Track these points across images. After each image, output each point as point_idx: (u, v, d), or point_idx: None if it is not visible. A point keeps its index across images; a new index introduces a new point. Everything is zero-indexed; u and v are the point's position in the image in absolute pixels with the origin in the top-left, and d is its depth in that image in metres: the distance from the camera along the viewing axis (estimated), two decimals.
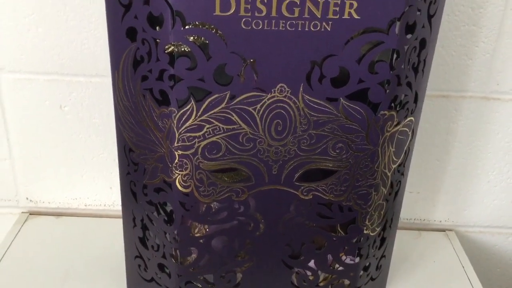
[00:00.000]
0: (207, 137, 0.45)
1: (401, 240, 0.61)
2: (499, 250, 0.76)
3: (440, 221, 0.74)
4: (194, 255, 0.52)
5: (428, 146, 0.69)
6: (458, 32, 0.62)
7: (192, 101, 0.43)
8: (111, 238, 0.67)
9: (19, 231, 0.69)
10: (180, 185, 0.47)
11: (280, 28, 0.41)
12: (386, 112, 0.45)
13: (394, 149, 0.48)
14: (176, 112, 0.44)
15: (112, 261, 0.63)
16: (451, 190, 0.72)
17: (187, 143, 0.45)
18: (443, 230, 0.74)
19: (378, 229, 0.53)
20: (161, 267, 0.53)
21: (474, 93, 0.66)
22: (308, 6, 0.40)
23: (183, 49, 0.42)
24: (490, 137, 0.68)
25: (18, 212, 0.73)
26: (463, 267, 0.67)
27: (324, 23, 0.41)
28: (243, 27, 0.41)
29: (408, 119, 0.48)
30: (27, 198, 0.73)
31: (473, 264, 0.67)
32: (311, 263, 0.53)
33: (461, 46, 0.63)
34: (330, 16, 0.40)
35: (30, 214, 0.73)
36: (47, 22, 0.61)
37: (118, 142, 0.50)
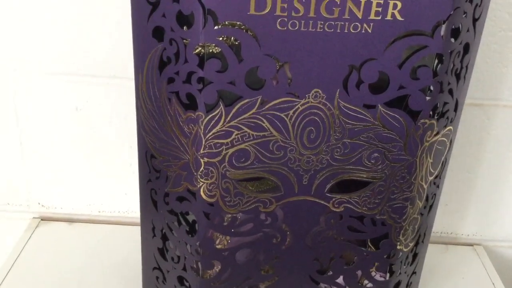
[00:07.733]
0: (235, 144, 0.42)
1: (428, 254, 0.59)
2: None
3: (468, 235, 0.71)
4: (216, 268, 0.49)
5: (458, 156, 0.66)
6: (493, 38, 0.59)
7: (221, 106, 0.40)
8: (126, 246, 0.65)
9: (30, 237, 0.67)
10: (204, 195, 0.44)
11: (318, 30, 0.38)
12: (426, 120, 0.42)
13: (432, 160, 0.46)
14: (204, 117, 0.41)
15: (127, 270, 0.61)
16: (481, 202, 0.69)
17: (214, 150, 0.42)
18: (471, 245, 0.71)
19: (411, 245, 0.50)
20: (181, 280, 0.51)
21: (508, 102, 0.63)
22: (349, 6, 0.37)
23: (212, 50, 0.40)
24: None
25: (29, 217, 0.71)
26: (493, 283, 0.64)
27: (365, 25, 0.38)
28: (279, 27, 0.38)
29: (448, 128, 0.46)
30: (39, 203, 0.70)
31: (503, 281, 0.64)
32: (340, 279, 0.50)
33: (496, 53, 0.60)
34: (372, 17, 0.38)
35: (41, 219, 0.71)
36: (65, 21, 0.59)
37: (139, 148, 0.48)
